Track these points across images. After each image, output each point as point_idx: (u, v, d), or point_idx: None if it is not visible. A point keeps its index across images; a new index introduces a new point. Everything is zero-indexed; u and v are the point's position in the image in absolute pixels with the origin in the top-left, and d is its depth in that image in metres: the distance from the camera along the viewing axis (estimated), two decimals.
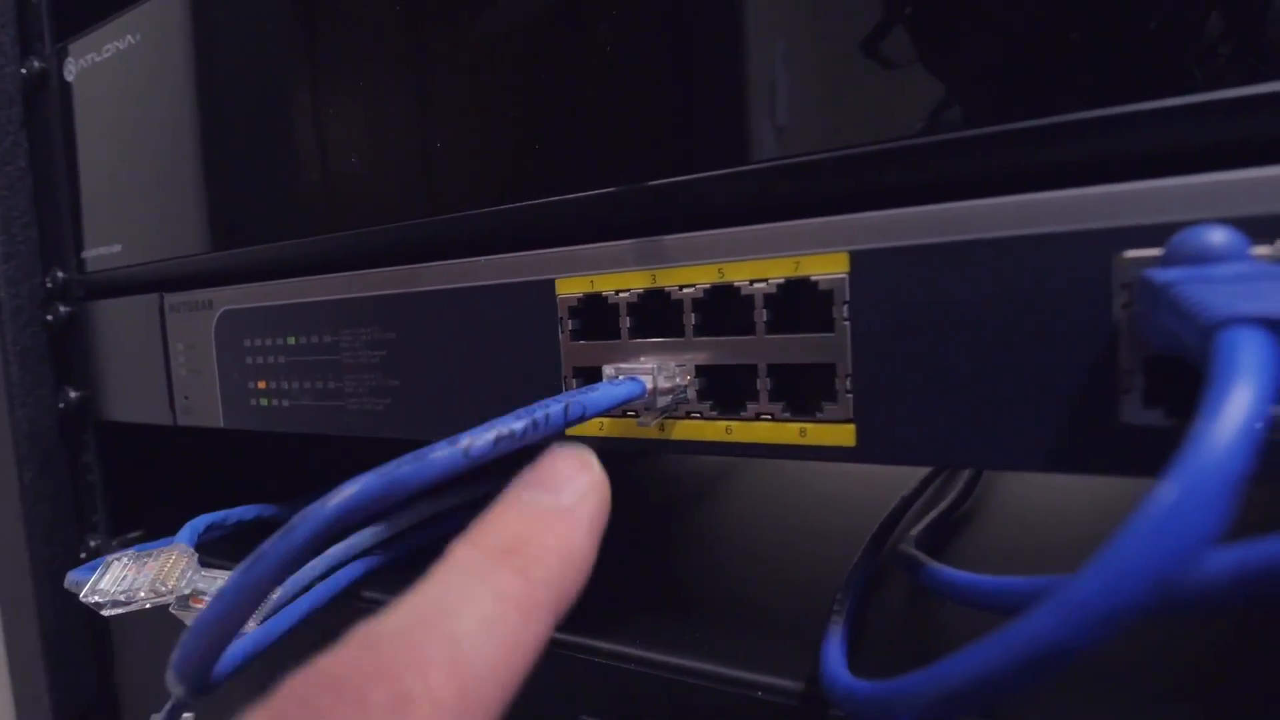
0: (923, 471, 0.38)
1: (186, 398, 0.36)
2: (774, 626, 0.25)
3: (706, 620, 0.26)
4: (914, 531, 0.29)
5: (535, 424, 0.18)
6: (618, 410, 0.23)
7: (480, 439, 0.17)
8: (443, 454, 0.17)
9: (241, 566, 0.16)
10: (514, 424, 0.18)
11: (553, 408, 0.19)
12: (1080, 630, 0.11)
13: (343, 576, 0.31)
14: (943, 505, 0.33)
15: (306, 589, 0.29)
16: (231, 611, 0.16)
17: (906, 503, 0.34)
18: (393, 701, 0.11)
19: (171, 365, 0.36)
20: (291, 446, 0.46)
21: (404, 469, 0.16)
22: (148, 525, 0.43)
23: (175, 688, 0.17)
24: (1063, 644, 0.11)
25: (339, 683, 0.11)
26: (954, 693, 0.13)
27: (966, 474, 0.38)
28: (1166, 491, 0.11)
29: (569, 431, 0.22)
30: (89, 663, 0.44)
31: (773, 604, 0.27)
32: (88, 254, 0.40)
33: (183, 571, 0.26)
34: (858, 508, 0.38)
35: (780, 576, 0.30)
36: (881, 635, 0.24)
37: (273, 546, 0.16)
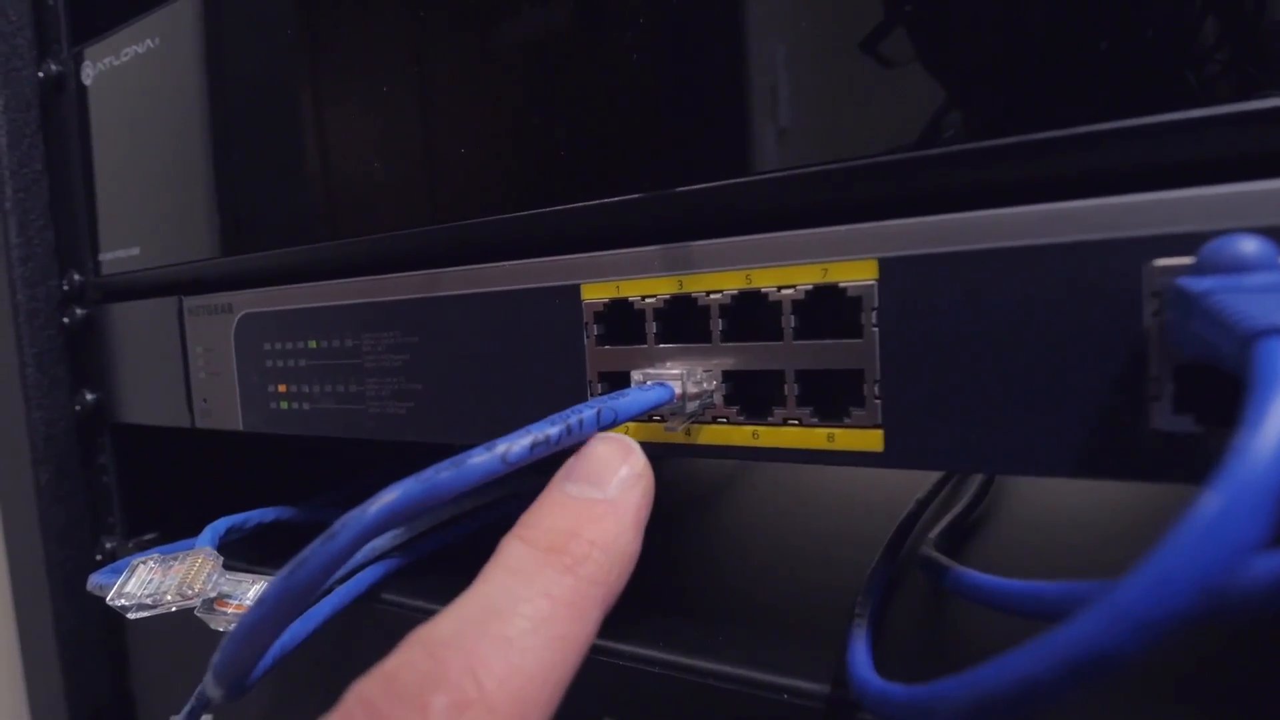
0: (936, 474, 0.38)
1: (205, 400, 0.36)
2: (793, 629, 0.25)
3: (725, 623, 0.26)
4: (932, 534, 0.30)
5: (569, 429, 0.18)
6: (639, 417, 0.23)
7: (517, 444, 0.17)
8: (481, 459, 0.17)
9: (284, 572, 0.16)
10: (549, 429, 0.18)
11: (585, 413, 0.19)
12: (1126, 636, 0.11)
13: (363, 579, 0.31)
14: (959, 508, 0.34)
15: (328, 592, 0.29)
16: (274, 616, 0.16)
17: (922, 505, 0.34)
18: (450, 708, 0.11)
19: (190, 368, 0.37)
20: (303, 449, 0.46)
21: (444, 475, 0.16)
22: (163, 527, 0.43)
23: (214, 691, 0.17)
24: (1108, 650, 0.11)
25: (402, 689, 0.11)
26: (994, 698, 0.13)
27: (981, 476, 0.38)
28: (1212, 499, 0.11)
29: None
30: (104, 665, 0.44)
31: (791, 607, 0.27)
32: (104, 257, 0.40)
33: (209, 575, 0.26)
34: (871, 510, 0.38)
35: (796, 579, 0.30)
36: (903, 638, 0.24)
37: (314, 552, 0.16)
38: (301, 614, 0.24)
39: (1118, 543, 0.32)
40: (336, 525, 0.16)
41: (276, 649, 0.25)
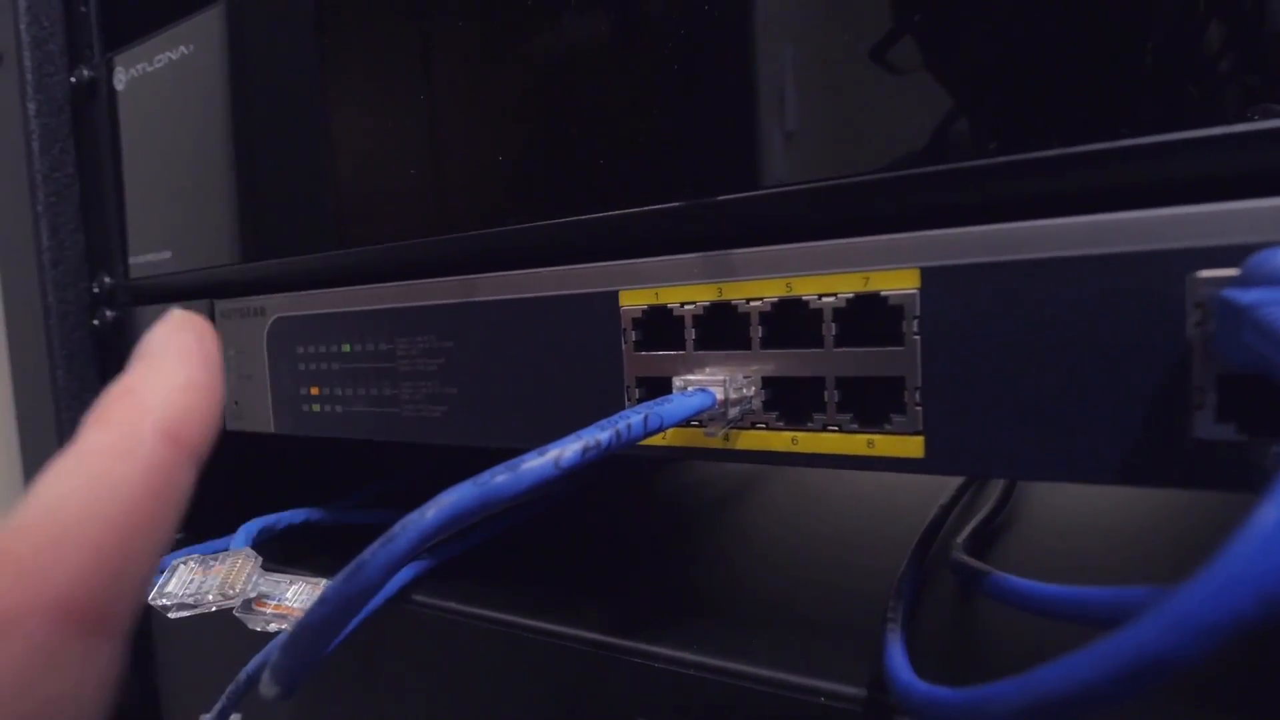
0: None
1: (237, 403, 0.36)
2: (824, 632, 0.26)
3: (756, 625, 0.26)
4: (960, 538, 0.30)
5: (619, 434, 0.19)
6: (682, 422, 0.23)
7: (569, 450, 0.18)
8: (535, 464, 0.17)
9: (344, 574, 0.16)
10: (599, 434, 0.18)
11: (633, 419, 0.19)
12: (1187, 641, 0.11)
13: (395, 580, 0.31)
14: (984, 511, 0.34)
15: None
16: (334, 617, 0.16)
17: (946, 509, 0.35)
18: None
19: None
20: (327, 451, 0.47)
21: (500, 479, 0.17)
22: (189, 528, 0.44)
23: (270, 689, 0.18)
24: (1168, 655, 0.12)
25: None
26: (1052, 701, 0.13)
27: (1004, 480, 0.38)
28: (1273, 507, 0.11)
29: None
30: (130, 664, 0.44)
31: (820, 609, 0.28)
32: (135, 260, 0.40)
33: (249, 575, 0.26)
34: (894, 511, 0.38)
35: (823, 582, 0.30)
36: (936, 641, 0.24)
37: (374, 554, 0.16)
38: (359, 615, 0.25)
39: (1142, 545, 0.32)
40: (396, 528, 0.16)
41: None
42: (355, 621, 0.27)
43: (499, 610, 0.29)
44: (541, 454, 0.17)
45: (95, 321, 0.42)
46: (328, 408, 0.33)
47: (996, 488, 0.38)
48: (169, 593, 0.26)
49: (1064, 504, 0.38)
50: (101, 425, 0.13)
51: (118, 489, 0.12)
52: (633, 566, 0.34)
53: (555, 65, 0.26)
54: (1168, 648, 0.12)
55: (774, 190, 0.22)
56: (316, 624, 0.16)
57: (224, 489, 0.45)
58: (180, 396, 0.14)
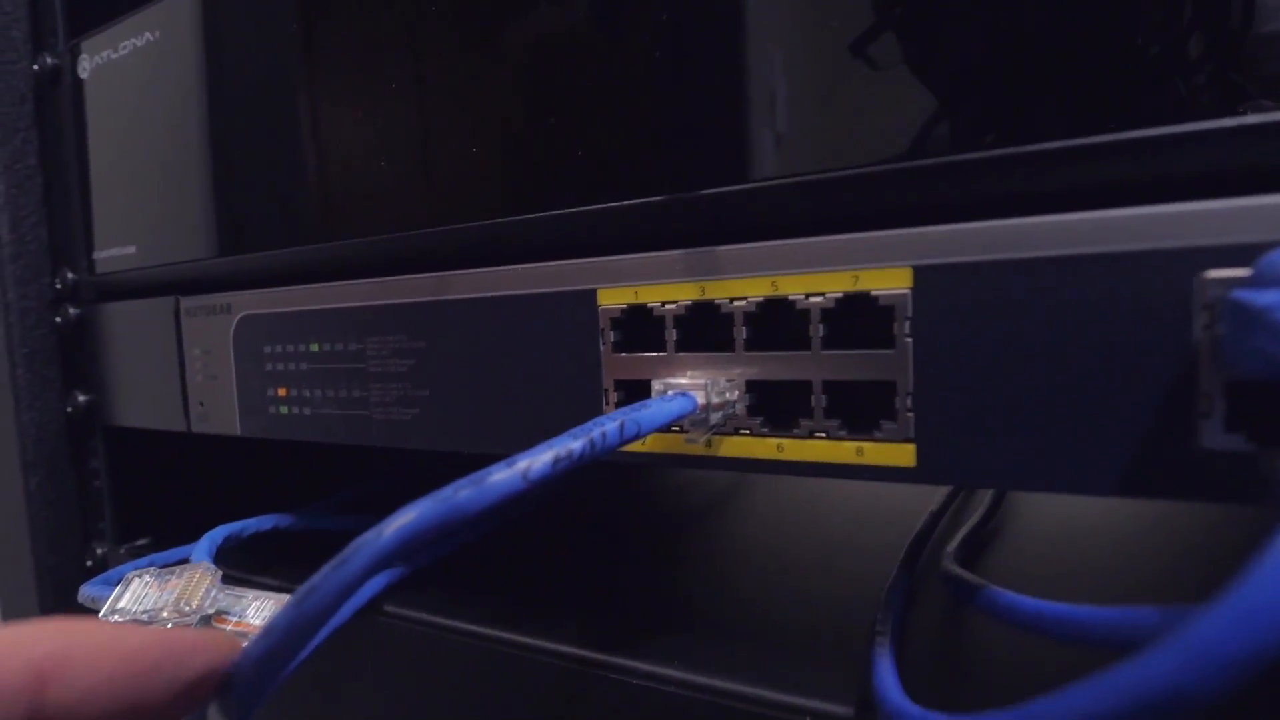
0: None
1: (202, 404, 0.35)
2: (810, 646, 0.25)
3: (740, 638, 0.25)
4: (949, 549, 0.29)
5: (592, 443, 0.17)
6: (661, 429, 0.22)
7: (539, 460, 0.16)
8: (502, 477, 0.16)
9: (293, 600, 0.15)
10: (571, 444, 0.17)
11: (609, 425, 0.18)
12: (1206, 675, 0.10)
13: (365, 591, 0.30)
14: (973, 521, 0.33)
15: None
16: (284, 646, 0.15)
17: (935, 518, 0.34)
18: None
19: (187, 370, 0.36)
20: (298, 454, 0.45)
21: (463, 494, 0.15)
22: (155, 533, 0.42)
23: None
24: (1183, 689, 0.11)
25: None
26: None
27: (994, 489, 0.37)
28: None
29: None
30: None
31: (805, 622, 0.27)
32: (99, 255, 0.39)
33: (206, 590, 0.25)
34: (881, 521, 0.37)
35: (808, 592, 0.29)
36: (925, 657, 0.24)
37: (325, 580, 0.15)
38: (312, 642, 0.23)
39: (1136, 555, 0.31)
40: (349, 550, 0.15)
41: None
42: (310, 647, 0.26)
43: (474, 623, 0.27)
44: (509, 465, 0.16)
45: (57, 319, 0.40)
46: (295, 409, 0.32)
47: (987, 494, 0.37)
48: (121, 608, 0.24)
49: (1055, 511, 0.37)
50: None
51: None
52: (613, 576, 0.33)
53: (531, 55, 0.25)
54: (1184, 681, 0.11)
55: (759, 184, 0.21)
56: (265, 655, 0.15)
57: (189, 493, 0.44)
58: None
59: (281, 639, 0.15)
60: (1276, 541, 0.10)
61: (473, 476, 0.16)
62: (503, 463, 0.16)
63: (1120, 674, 0.11)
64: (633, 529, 0.41)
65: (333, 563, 0.15)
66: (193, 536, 0.34)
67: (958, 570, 0.24)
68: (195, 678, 0.15)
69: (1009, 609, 0.19)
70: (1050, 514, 0.37)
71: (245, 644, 0.15)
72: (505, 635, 0.27)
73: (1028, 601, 0.19)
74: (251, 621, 0.25)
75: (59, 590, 0.41)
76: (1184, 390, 0.17)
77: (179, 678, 0.14)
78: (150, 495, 0.43)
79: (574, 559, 0.35)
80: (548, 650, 0.26)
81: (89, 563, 0.42)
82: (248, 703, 0.15)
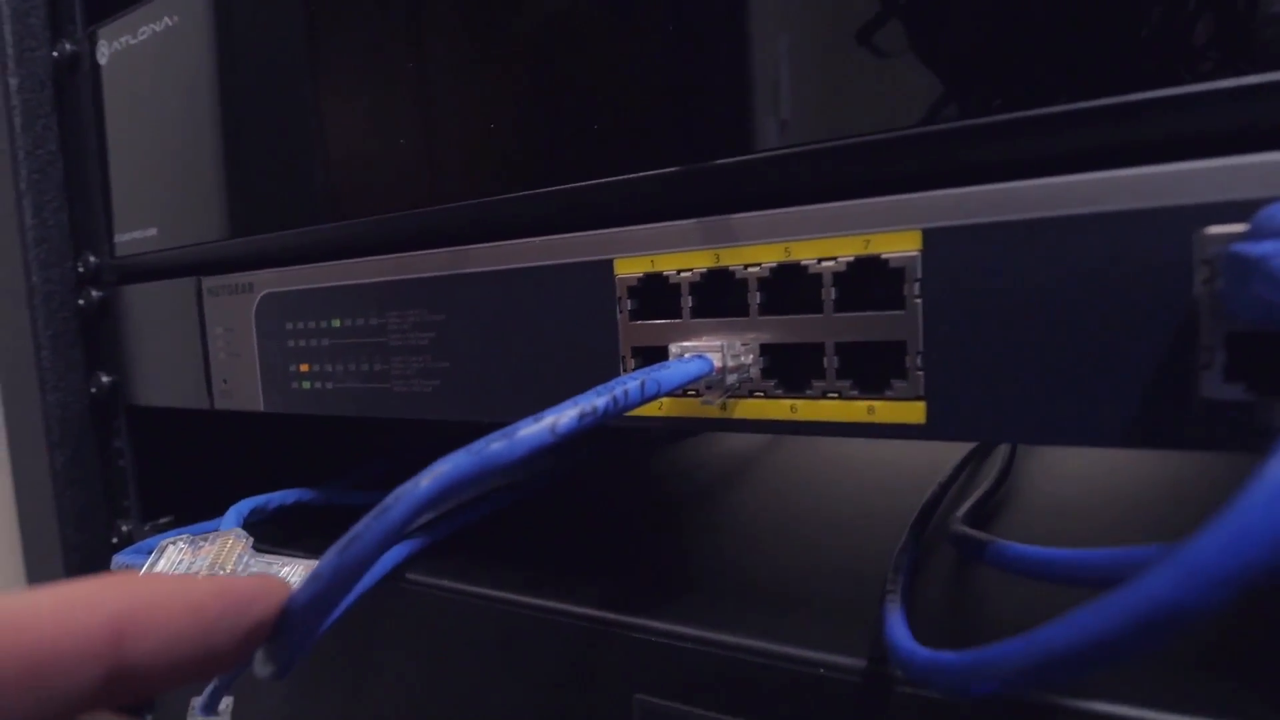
0: (958, 453, 0.38)
1: (225, 381, 0.36)
2: (823, 605, 0.25)
3: (754, 598, 0.26)
4: (959, 513, 0.30)
5: (615, 400, 0.18)
6: (680, 389, 0.23)
7: (565, 415, 0.17)
8: (531, 430, 0.17)
9: (337, 547, 0.16)
10: (596, 400, 0.18)
11: (630, 384, 0.19)
12: (1200, 592, 0.11)
13: (388, 559, 0.31)
14: (984, 487, 0.34)
15: None
16: (329, 593, 0.16)
17: (945, 486, 0.34)
18: None
19: (209, 349, 0.36)
20: (317, 431, 0.46)
21: (495, 446, 0.16)
22: (178, 510, 0.43)
23: (264, 668, 0.17)
24: (1180, 606, 0.11)
25: None
26: (1060, 657, 0.13)
27: (1003, 454, 0.38)
28: None
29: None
30: None
31: (817, 583, 0.27)
32: (121, 238, 0.40)
33: (239, 556, 0.26)
34: (892, 489, 0.38)
35: (820, 556, 0.30)
36: (937, 611, 0.24)
37: (368, 527, 0.16)
38: (355, 590, 0.24)
39: (1144, 523, 0.32)
40: (390, 499, 0.16)
41: None
42: (349, 599, 0.27)
43: (493, 588, 0.28)
44: (538, 420, 0.17)
45: (80, 301, 0.41)
46: (318, 384, 0.32)
47: (995, 466, 0.37)
48: (158, 574, 0.25)
49: (1062, 483, 0.38)
50: None
51: None
52: (629, 544, 0.33)
53: (544, 30, 0.25)
54: (1180, 598, 0.11)
55: (771, 153, 0.22)
56: (311, 600, 0.16)
57: (213, 469, 0.44)
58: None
59: (327, 585, 0.15)
60: (1263, 469, 0.11)
61: (504, 430, 0.17)
62: (531, 418, 0.17)
63: (1122, 595, 0.12)
64: (648, 501, 0.41)
65: (374, 511, 0.15)
66: (216, 513, 0.35)
67: (965, 529, 0.25)
68: (253, 625, 0.15)
69: (1017, 559, 0.20)
70: (1058, 484, 0.37)
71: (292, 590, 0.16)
72: (525, 599, 0.27)
73: (1035, 550, 0.19)
74: None
75: (85, 568, 0.42)
76: (1185, 343, 0.17)
77: (240, 625, 0.15)
78: (174, 474, 0.44)
79: (590, 529, 0.36)
80: (566, 612, 0.26)
81: (114, 540, 0.43)
82: (295, 647, 0.16)
